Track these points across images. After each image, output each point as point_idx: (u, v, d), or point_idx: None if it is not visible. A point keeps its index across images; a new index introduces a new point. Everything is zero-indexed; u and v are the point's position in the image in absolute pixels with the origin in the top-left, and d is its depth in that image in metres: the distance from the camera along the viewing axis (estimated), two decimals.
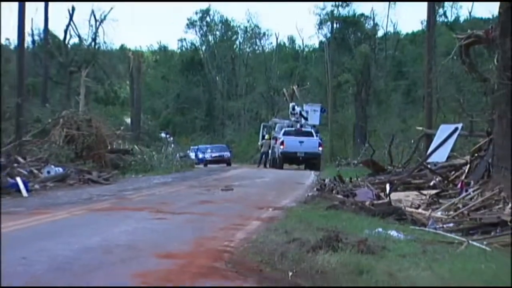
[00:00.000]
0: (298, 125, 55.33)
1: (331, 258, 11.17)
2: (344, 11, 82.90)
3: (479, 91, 36.61)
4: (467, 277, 10.34)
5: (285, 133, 53.11)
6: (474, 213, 20.22)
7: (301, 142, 51.85)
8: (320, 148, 53.64)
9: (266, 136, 60.67)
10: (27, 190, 24.24)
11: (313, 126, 56.09)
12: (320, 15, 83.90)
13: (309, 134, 53.44)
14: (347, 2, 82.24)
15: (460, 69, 39.30)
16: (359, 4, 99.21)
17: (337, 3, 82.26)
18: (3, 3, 39.25)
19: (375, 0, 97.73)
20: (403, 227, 17.13)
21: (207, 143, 75.15)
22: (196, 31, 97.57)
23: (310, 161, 51.14)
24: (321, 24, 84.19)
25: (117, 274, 10.33)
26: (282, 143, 51.87)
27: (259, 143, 64.66)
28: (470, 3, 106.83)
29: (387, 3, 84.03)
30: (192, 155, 64.55)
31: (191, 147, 70.38)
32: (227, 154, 66.41)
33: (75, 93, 63.08)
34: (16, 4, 36.64)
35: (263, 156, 59.23)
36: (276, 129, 57.92)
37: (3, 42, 49.26)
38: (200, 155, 65.07)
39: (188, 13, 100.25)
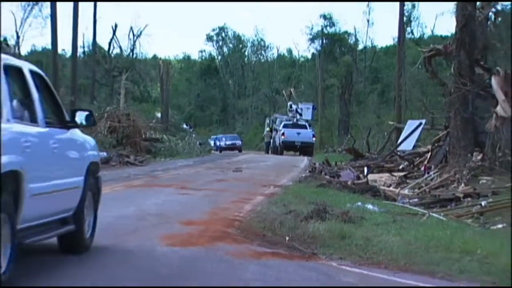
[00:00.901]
0: (295, 120, 55.08)
1: (320, 226, 11.18)
2: (331, 29, 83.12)
3: (439, 93, 36.47)
4: (428, 241, 10.36)
5: (285, 126, 52.84)
6: (434, 190, 20.23)
7: (298, 133, 51.59)
8: (314, 138, 53.48)
9: (267, 129, 60.59)
10: None
11: (306, 121, 55.92)
12: (310, 34, 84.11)
13: (304, 126, 53.18)
14: (334, 23, 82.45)
15: (424, 76, 39.26)
16: (344, 23, 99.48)
17: (325, 23, 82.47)
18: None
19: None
20: (378, 201, 17.14)
21: (221, 133, 74.82)
22: (213, 44, 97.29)
23: (304, 149, 50.80)
24: (312, 40, 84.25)
25: (149, 236, 10.37)
26: (283, 134, 51.64)
27: (264, 134, 64.56)
28: (433, 23, 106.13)
29: (366, 23, 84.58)
30: (212, 143, 64.26)
31: (212, 136, 69.96)
32: (238, 142, 65.59)
33: (116, 93, 62.90)
34: (71, 22, 36.82)
35: (267, 144, 59.16)
36: (277, 123, 57.67)
37: (60, 52, 49.11)
38: (218, 143, 64.59)
39: (207, 29, 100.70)
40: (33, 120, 7.68)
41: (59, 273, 7.70)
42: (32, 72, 8.03)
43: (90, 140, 9.63)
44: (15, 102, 7.43)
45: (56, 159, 8.03)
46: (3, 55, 7.28)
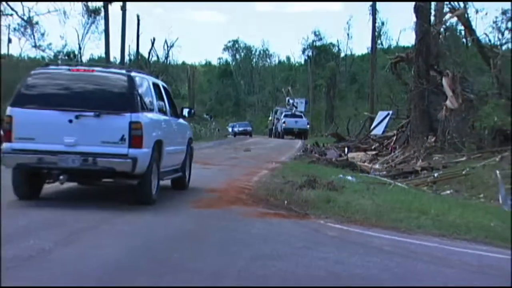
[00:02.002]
0: (293, 111, 54.83)
1: (311, 193, 11.24)
2: (319, 43, 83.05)
3: (402, 91, 36.45)
4: (393, 204, 10.42)
5: (285, 116, 52.67)
6: (398, 165, 20.32)
7: (296, 121, 51.42)
8: (308, 126, 53.37)
9: (270, 118, 60.46)
10: None
11: (301, 112, 55.76)
12: (304, 44, 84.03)
13: (300, 116, 52.96)
14: (321, 38, 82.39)
15: (391, 77, 39.09)
16: (329, 37, 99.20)
17: (315, 38, 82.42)
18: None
19: None
20: (355, 174, 17.19)
21: (235, 122, 74.43)
22: (228, 52, 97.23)
23: (301, 134, 50.52)
24: (305, 50, 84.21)
25: (181, 200, 10.49)
26: (284, 122, 51.52)
27: (268, 122, 64.45)
28: (398, 36, 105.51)
29: (346, 37, 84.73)
30: (230, 129, 63.95)
31: (230, 123, 69.56)
32: (249, 128, 64.65)
33: None
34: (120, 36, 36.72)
35: (271, 130, 59.12)
36: (278, 113, 57.53)
37: (112, 60, 48.74)
38: (233, 129, 64.11)
39: (224, 41, 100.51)
40: (164, 112, 10.61)
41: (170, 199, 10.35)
42: (163, 86, 11.22)
43: (188, 125, 12.82)
44: (158, 102, 10.22)
45: (175, 135, 11.08)
46: (150, 77, 10.79)
